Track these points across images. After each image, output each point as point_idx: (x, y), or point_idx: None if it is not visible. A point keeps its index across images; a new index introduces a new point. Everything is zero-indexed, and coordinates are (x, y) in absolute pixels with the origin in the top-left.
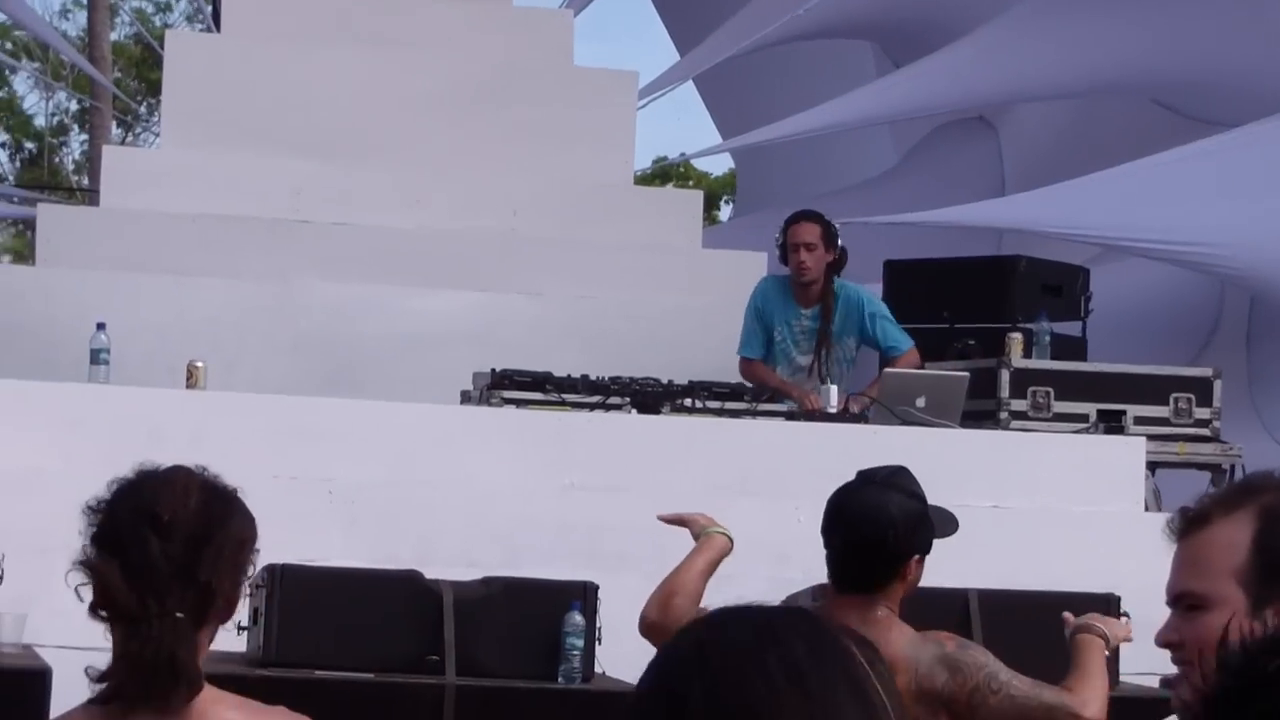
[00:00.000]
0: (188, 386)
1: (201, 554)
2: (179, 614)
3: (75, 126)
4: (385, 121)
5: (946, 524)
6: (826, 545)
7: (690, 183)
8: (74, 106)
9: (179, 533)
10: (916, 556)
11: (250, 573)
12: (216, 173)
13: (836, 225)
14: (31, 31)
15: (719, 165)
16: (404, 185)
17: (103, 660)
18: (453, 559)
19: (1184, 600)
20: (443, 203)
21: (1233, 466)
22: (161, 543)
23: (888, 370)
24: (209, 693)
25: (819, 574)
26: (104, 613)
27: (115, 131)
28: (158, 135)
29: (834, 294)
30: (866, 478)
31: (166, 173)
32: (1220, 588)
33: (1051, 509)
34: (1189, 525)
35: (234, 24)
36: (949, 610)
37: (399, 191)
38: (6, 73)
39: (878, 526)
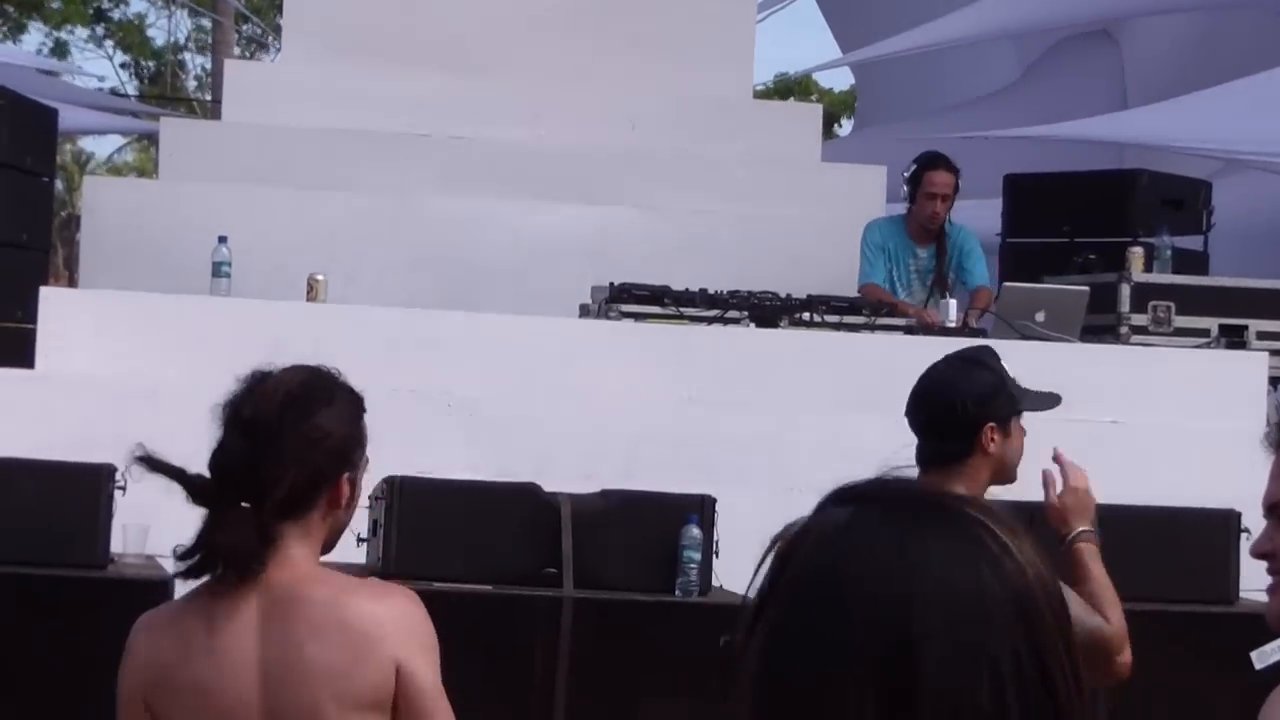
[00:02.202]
0: (308, 299)
1: (269, 449)
2: (244, 504)
3: (193, 47)
4: (504, 36)
5: (1039, 399)
6: (910, 426)
7: (813, 98)
8: (194, 24)
9: (255, 428)
10: (991, 424)
11: (348, 473)
12: (337, 87)
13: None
14: None
15: (841, 82)
16: (522, 100)
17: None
18: (571, 472)
19: (1273, 512)
20: (561, 117)
21: None
22: (239, 438)
23: (1007, 284)
24: (307, 571)
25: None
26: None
27: (236, 50)
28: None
29: (946, 234)
30: (947, 356)
31: (287, 86)
32: None
33: (1172, 425)
34: None
35: None
36: None
37: (517, 106)
38: None
39: (945, 395)
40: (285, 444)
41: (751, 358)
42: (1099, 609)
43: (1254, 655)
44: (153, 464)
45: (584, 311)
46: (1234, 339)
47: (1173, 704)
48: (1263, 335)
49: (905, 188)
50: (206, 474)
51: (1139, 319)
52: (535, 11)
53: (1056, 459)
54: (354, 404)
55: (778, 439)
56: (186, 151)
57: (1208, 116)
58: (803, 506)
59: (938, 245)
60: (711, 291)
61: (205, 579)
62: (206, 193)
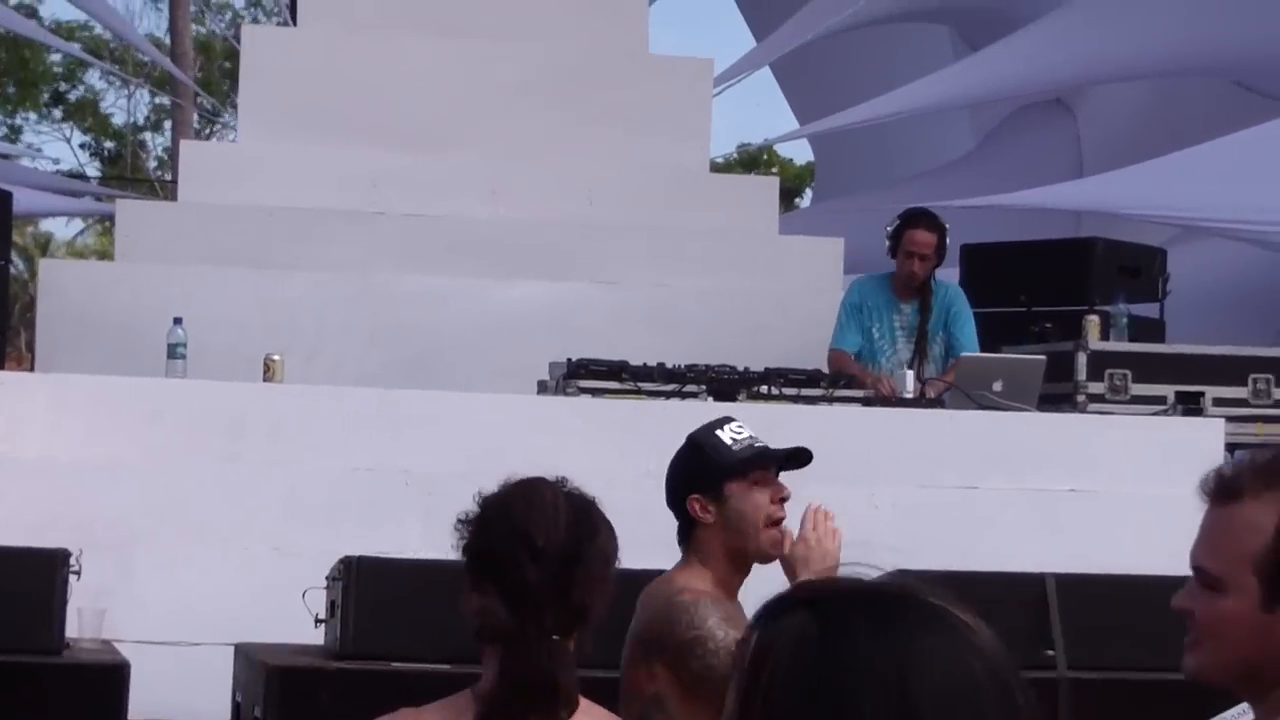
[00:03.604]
0: (265, 379)
1: (574, 575)
2: (555, 635)
3: (154, 125)
4: (461, 111)
5: (764, 457)
6: None
7: (774, 170)
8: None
9: (553, 556)
10: (693, 495)
11: (613, 579)
12: (294, 165)
13: (947, 226)
14: (108, 26)
15: (802, 154)
16: (481, 175)
17: (185, 656)
18: None
19: (1199, 575)
20: (520, 192)
21: None
22: (537, 567)
23: (965, 355)
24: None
25: (898, 561)
26: (484, 634)
27: (197, 128)
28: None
29: (932, 291)
30: None
31: (244, 166)
32: (1235, 573)
33: (1129, 492)
34: (1220, 495)
35: (310, 15)
36: (1026, 594)
37: (476, 181)
38: (85, 72)
39: (667, 479)
40: (590, 567)
41: None
42: None
43: None
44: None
45: (542, 388)
46: (1190, 405)
47: None
48: (1219, 401)
49: (888, 242)
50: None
51: (1096, 387)
52: (491, 87)
53: (807, 512)
54: (604, 515)
55: None
56: (143, 232)
57: (1163, 183)
58: (760, 579)
59: (921, 302)
60: (669, 366)
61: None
62: (163, 273)
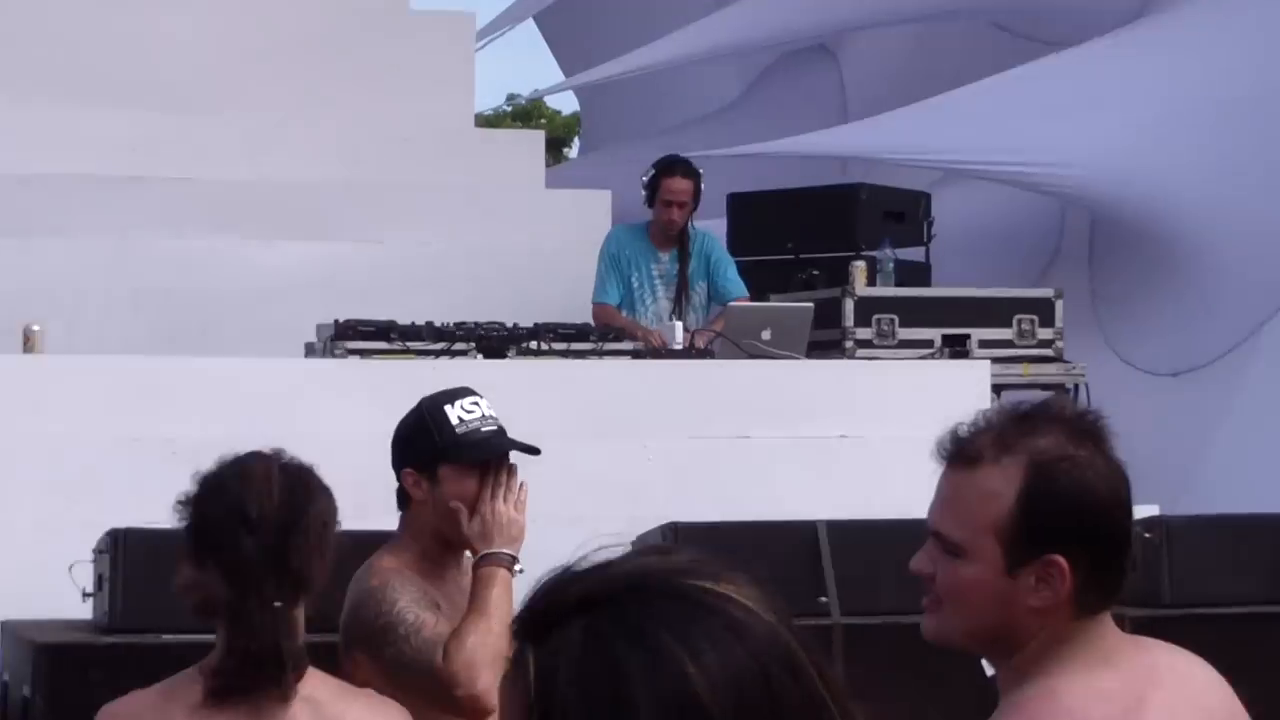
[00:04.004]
0: (25, 351)
1: (290, 544)
2: (277, 603)
3: None
4: (221, 72)
5: (487, 447)
6: None
7: (543, 121)
8: None
9: (268, 527)
10: (407, 469)
11: (333, 543)
12: (46, 130)
13: (702, 173)
14: None
15: (570, 105)
16: (241, 137)
17: None
18: None
19: (939, 540)
20: (281, 153)
21: (1076, 386)
22: (253, 539)
23: (732, 304)
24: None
25: (668, 512)
26: (200, 608)
27: None
28: None
29: (689, 238)
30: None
31: None
32: (976, 540)
33: (899, 436)
34: (957, 459)
35: None
36: (798, 542)
37: (237, 143)
38: None
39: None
40: (313, 534)
41: (480, 389)
42: (459, 637)
43: (984, 662)
44: (186, 588)
45: (309, 350)
46: (957, 348)
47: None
48: (985, 344)
49: (644, 191)
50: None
51: (864, 333)
52: (249, 47)
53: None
54: (324, 482)
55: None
56: None
57: (925, 127)
58: (536, 537)
59: (680, 250)
60: (438, 324)
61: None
62: None
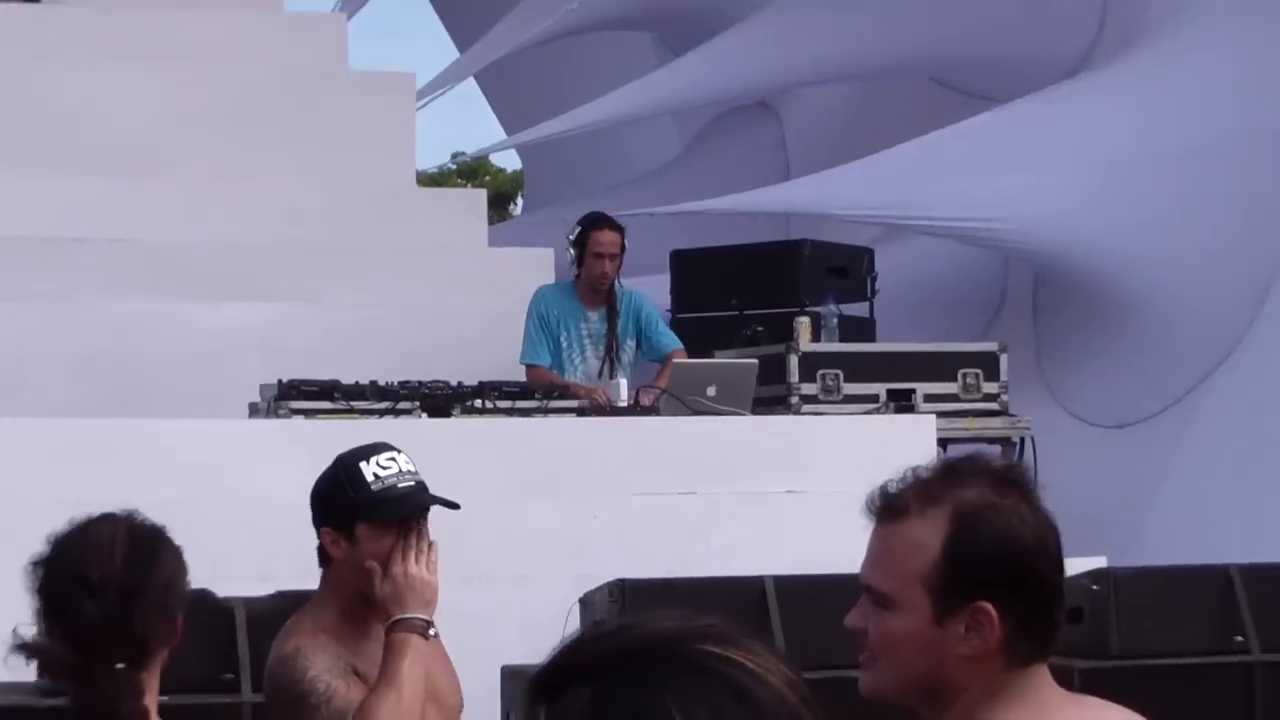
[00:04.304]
0: None
1: (134, 607)
2: (119, 665)
3: None
4: (158, 135)
5: (406, 503)
6: None
7: (488, 178)
8: None
9: (110, 590)
10: (325, 528)
11: (183, 603)
12: None
13: (625, 228)
14: None
15: (514, 162)
16: (182, 198)
17: None
18: (248, 575)
19: (870, 594)
20: (222, 215)
21: (1023, 439)
22: (95, 602)
23: (677, 361)
24: None
25: (615, 569)
26: (46, 670)
27: None
28: None
29: (617, 296)
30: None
31: None
32: (905, 590)
33: (845, 491)
34: (886, 513)
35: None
36: (745, 598)
37: (177, 205)
38: None
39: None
40: (149, 596)
41: (425, 448)
42: (366, 710)
43: None
44: (27, 649)
45: (254, 410)
46: (902, 403)
47: None
48: (930, 397)
49: (571, 251)
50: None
51: (809, 388)
52: (188, 110)
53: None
54: (173, 543)
55: (455, 530)
56: None
57: (868, 183)
58: (483, 596)
59: (609, 308)
60: (382, 383)
61: None
62: None
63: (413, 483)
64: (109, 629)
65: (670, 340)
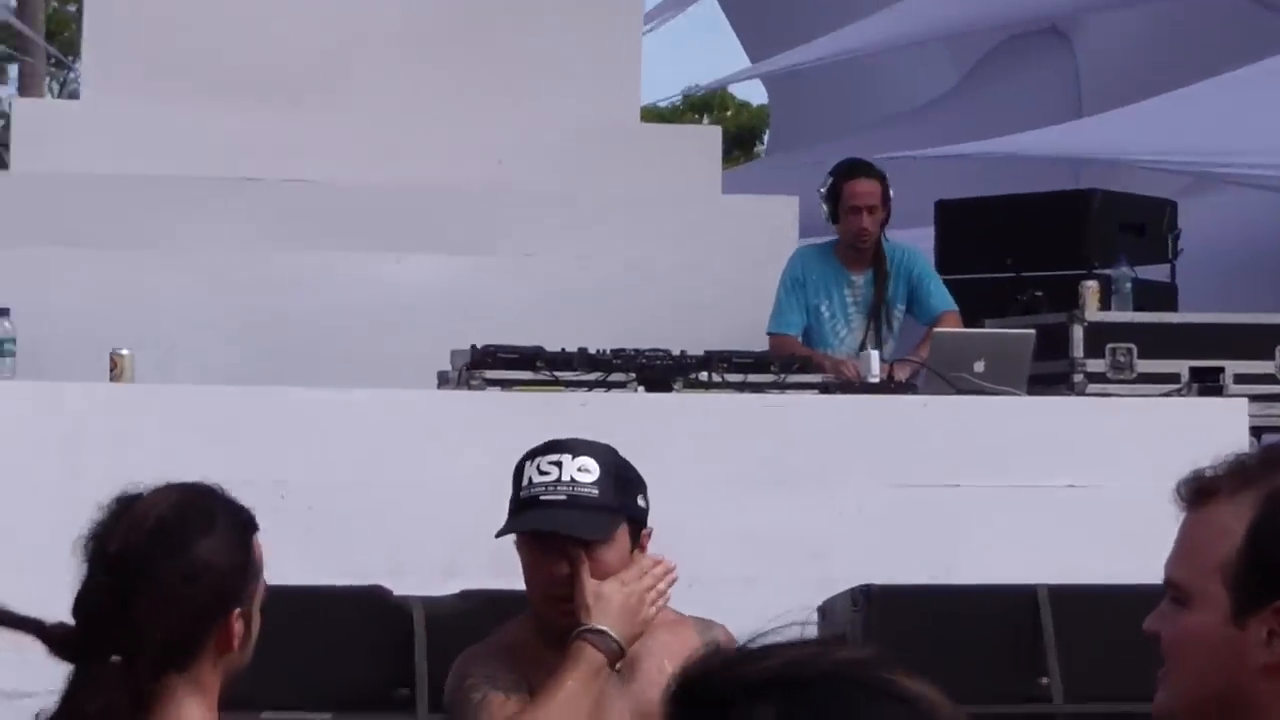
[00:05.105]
0: (111, 379)
1: (137, 591)
2: (115, 657)
3: None
4: (344, 62)
5: None
6: None
7: (728, 114)
8: None
9: (123, 565)
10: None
11: (238, 609)
12: (147, 127)
13: (886, 174)
14: None
15: (760, 95)
16: (368, 135)
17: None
18: (429, 570)
19: (1169, 589)
20: (415, 155)
21: None
22: (104, 576)
23: (939, 330)
24: None
25: (861, 573)
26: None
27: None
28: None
29: (885, 256)
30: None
31: (88, 128)
32: (1202, 582)
33: (1138, 487)
34: (1195, 496)
35: None
36: (1014, 610)
37: (362, 142)
38: None
39: None
40: (161, 583)
41: (640, 427)
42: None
43: None
44: (10, 620)
45: (442, 380)
46: (1208, 384)
47: None
48: (1241, 378)
49: (824, 206)
50: (70, 621)
51: (1096, 365)
52: (380, 34)
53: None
54: (240, 526)
55: (674, 523)
56: None
57: (1175, 124)
58: (707, 601)
59: (875, 270)
60: (593, 351)
61: None
62: None
63: (562, 496)
64: (108, 610)
65: (942, 300)
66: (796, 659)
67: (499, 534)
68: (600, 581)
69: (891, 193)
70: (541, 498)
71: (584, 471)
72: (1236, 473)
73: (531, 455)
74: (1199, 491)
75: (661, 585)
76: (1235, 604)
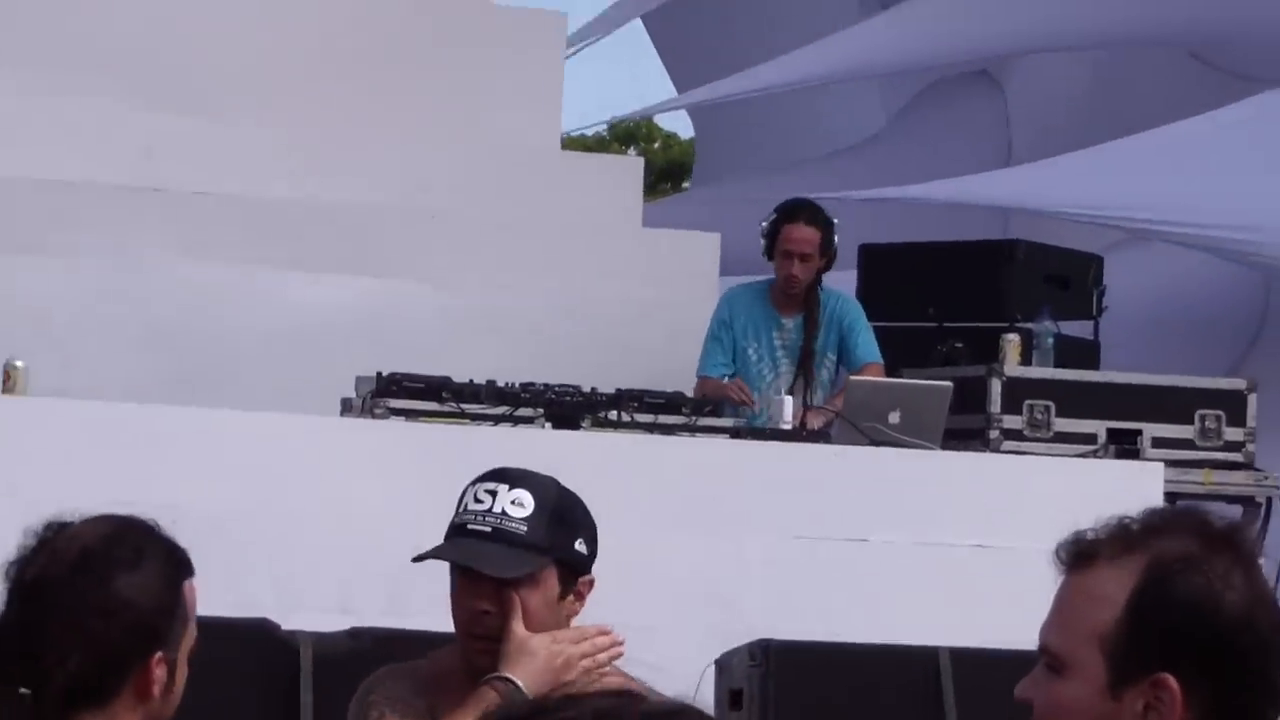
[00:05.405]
0: (4, 391)
1: (49, 622)
2: (23, 690)
3: None
4: (262, 70)
5: None
6: None
7: (655, 146)
8: None
9: (40, 594)
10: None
11: (160, 652)
12: (48, 127)
13: (835, 222)
14: None
15: (689, 128)
16: (284, 148)
17: None
18: (322, 605)
19: (1043, 654)
20: (331, 171)
21: (1269, 500)
22: (19, 604)
23: (854, 379)
24: None
25: (764, 625)
26: None
27: None
28: None
29: (819, 302)
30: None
31: None
32: (1078, 651)
33: (1047, 550)
34: (1075, 560)
35: None
36: (913, 671)
37: (277, 156)
38: None
39: None
40: (74, 616)
41: (546, 465)
42: None
43: None
44: None
45: (346, 407)
46: (1125, 445)
47: None
48: (1159, 441)
49: (763, 240)
50: None
51: (1013, 421)
52: (303, 49)
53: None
54: (172, 565)
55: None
56: None
57: (1104, 176)
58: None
59: (806, 315)
60: (501, 384)
61: None
62: None
63: (487, 528)
64: (17, 642)
65: (868, 351)
66: (603, 710)
67: (415, 559)
68: (531, 634)
69: (836, 238)
70: (469, 526)
71: (517, 505)
72: (1119, 537)
73: (476, 480)
74: (1079, 555)
75: (601, 656)
76: (1112, 675)
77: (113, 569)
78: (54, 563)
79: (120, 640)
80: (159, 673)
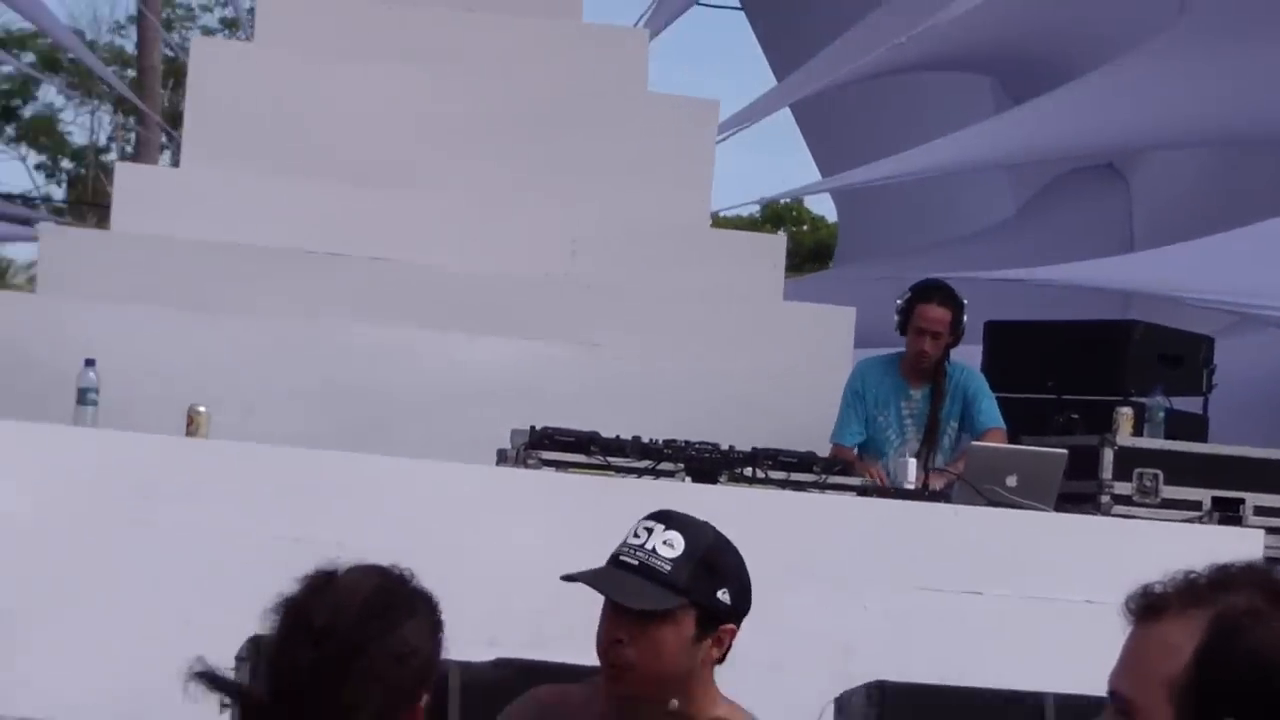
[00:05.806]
0: (188, 434)
1: (350, 669)
2: None
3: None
4: (433, 147)
5: None
6: None
7: (805, 227)
8: (115, 122)
9: (331, 640)
10: None
11: (426, 694)
12: (241, 196)
13: (965, 302)
14: (58, 41)
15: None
16: (450, 219)
17: None
18: (471, 638)
19: (1114, 700)
20: (493, 240)
21: None
22: (310, 652)
23: (974, 444)
24: None
25: (880, 669)
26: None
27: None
28: None
29: (945, 374)
30: None
31: (185, 194)
32: (1148, 698)
33: None
34: (1144, 611)
35: (269, 32)
36: (1021, 716)
37: (445, 226)
38: (40, 86)
39: None
40: (373, 661)
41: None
42: None
43: None
44: (214, 681)
45: (501, 458)
46: (1228, 513)
47: None
48: (1261, 510)
49: (896, 317)
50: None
51: (1123, 487)
52: (468, 120)
53: None
54: (432, 611)
55: None
56: (67, 263)
57: (1222, 263)
58: (731, 680)
59: (934, 387)
60: (645, 440)
61: None
62: (86, 310)
63: (635, 561)
64: (316, 685)
65: (991, 418)
66: None
67: (564, 577)
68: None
69: (965, 317)
70: (621, 557)
71: (668, 545)
72: (1186, 591)
73: (644, 517)
74: (1148, 608)
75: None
76: None
77: (398, 616)
78: (341, 610)
79: (408, 685)
80: (421, 711)
